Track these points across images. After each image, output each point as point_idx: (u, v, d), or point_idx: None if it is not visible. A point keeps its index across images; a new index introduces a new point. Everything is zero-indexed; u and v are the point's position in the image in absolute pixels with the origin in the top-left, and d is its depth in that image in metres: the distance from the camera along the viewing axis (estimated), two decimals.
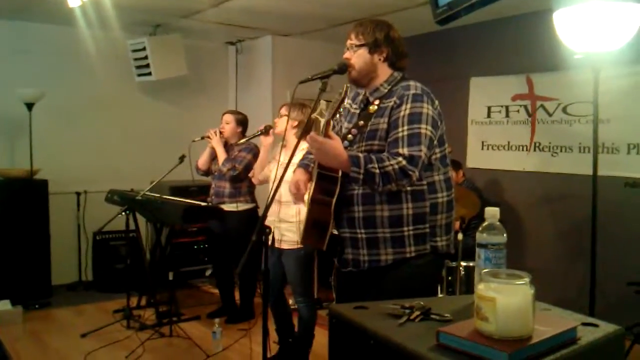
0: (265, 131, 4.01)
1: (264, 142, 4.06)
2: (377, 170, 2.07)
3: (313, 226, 2.27)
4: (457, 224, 4.56)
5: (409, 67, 2.39)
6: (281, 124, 3.71)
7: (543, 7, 4.45)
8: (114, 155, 6.11)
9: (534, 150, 5.23)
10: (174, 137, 5.98)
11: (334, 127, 2.38)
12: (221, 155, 4.63)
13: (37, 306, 5.15)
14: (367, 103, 2.36)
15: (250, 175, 4.29)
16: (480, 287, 1.33)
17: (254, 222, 4.35)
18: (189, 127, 5.87)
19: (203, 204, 4.42)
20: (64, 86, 5.80)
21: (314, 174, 2.36)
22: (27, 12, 5.28)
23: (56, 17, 5.36)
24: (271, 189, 2.35)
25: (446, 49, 5.93)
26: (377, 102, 2.30)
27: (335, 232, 2.33)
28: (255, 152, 4.59)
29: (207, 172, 4.88)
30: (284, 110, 3.82)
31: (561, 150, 5.03)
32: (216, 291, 5.53)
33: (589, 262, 3.73)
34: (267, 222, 3.47)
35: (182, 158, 4.59)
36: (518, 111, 5.35)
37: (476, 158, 5.71)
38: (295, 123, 3.67)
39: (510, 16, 5.22)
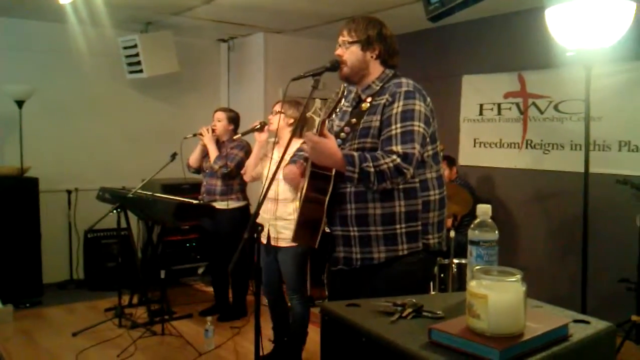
0: (261, 127, 4.01)
1: (258, 138, 4.04)
2: (372, 169, 2.07)
3: (305, 224, 2.27)
4: (449, 221, 4.57)
5: (401, 65, 2.39)
6: (276, 121, 3.70)
7: (535, 4, 4.46)
8: (105, 153, 6.09)
9: (526, 147, 5.24)
10: (165, 134, 5.96)
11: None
12: (213, 152, 4.61)
13: (28, 305, 5.13)
14: (359, 101, 2.36)
15: (242, 172, 4.27)
16: (472, 284, 1.33)
17: (246, 220, 4.35)
18: (180, 125, 5.85)
19: (195, 201, 4.40)
20: (55, 83, 5.77)
21: (306, 172, 2.35)
22: (17, 9, 5.24)
23: (47, 14, 5.33)
24: (263, 186, 2.34)
25: (438, 47, 5.94)
26: (369, 99, 2.29)
27: (327, 229, 2.32)
28: (247, 150, 4.58)
29: (199, 170, 4.86)
30: (278, 107, 3.80)
31: (553, 148, 5.04)
32: (208, 289, 5.54)
33: (580, 259, 3.76)
34: (262, 220, 3.49)
35: (173, 155, 4.57)
36: (510, 109, 5.37)
37: (468, 155, 5.72)
38: (291, 120, 3.66)
39: (503, 14, 5.24)
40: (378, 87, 2.30)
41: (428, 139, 2.21)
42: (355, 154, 2.11)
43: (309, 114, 2.83)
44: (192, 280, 6.17)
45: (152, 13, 5.49)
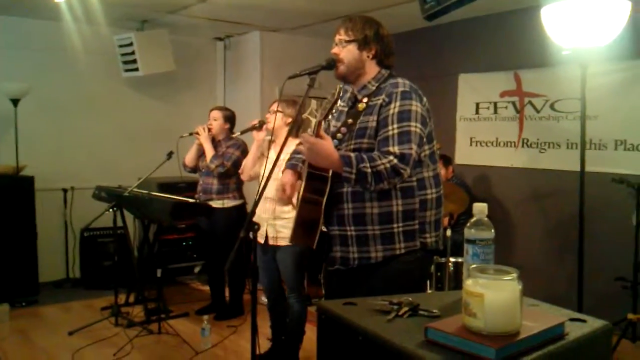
0: (259, 126, 3.99)
1: (256, 137, 4.03)
2: (369, 170, 2.07)
3: (303, 225, 2.27)
4: (445, 220, 4.58)
5: (397, 64, 2.39)
6: (273, 119, 3.69)
7: (531, 3, 4.46)
8: (101, 152, 6.07)
9: (522, 146, 5.25)
10: (161, 133, 5.95)
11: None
12: (209, 151, 4.60)
13: (24, 304, 5.11)
14: (355, 101, 2.36)
15: (239, 171, 4.27)
16: (468, 283, 1.33)
17: (242, 219, 4.34)
18: (176, 123, 5.85)
19: (191, 200, 4.40)
20: (50, 81, 5.75)
21: (303, 173, 2.35)
22: (12, 7, 5.22)
23: (42, 12, 5.31)
24: (260, 185, 2.34)
25: (434, 46, 5.94)
26: (365, 99, 2.29)
27: (324, 229, 2.32)
28: (243, 149, 4.57)
29: (194, 169, 4.85)
30: (275, 106, 3.79)
31: (549, 147, 5.05)
32: (205, 288, 5.53)
33: (576, 258, 3.76)
34: (261, 220, 3.48)
35: (170, 154, 4.56)
36: (506, 107, 5.37)
37: (464, 154, 5.73)
38: (289, 119, 3.65)
39: (498, 13, 5.24)
40: (374, 88, 2.30)
41: (425, 139, 2.22)
42: (352, 154, 2.11)
43: (304, 116, 2.82)
44: (188, 279, 6.16)
45: (147, 11, 5.47)
